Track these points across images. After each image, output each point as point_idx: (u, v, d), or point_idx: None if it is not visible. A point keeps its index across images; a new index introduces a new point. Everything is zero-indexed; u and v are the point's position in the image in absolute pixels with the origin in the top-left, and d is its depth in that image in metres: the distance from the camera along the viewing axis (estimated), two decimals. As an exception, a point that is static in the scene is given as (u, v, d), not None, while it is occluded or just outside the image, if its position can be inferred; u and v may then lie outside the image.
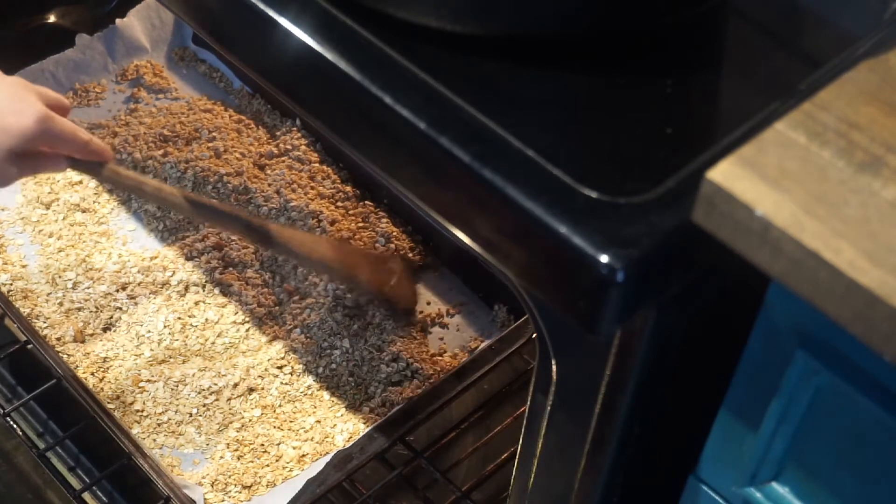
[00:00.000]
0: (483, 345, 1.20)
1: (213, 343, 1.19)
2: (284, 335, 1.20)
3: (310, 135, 1.40)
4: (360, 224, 1.30)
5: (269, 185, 1.32)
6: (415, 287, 1.23)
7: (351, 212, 1.32)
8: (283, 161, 1.36)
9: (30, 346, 1.14)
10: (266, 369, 1.17)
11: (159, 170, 1.32)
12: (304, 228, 1.27)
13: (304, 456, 1.11)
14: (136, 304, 1.21)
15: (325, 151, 1.38)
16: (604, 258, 0.56)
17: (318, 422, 1.14)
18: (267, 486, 1.09)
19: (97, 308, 1.20)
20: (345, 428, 1.13)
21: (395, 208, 1.33)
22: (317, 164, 1.36)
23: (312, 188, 1.33)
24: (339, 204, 1.32)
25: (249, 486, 1.09)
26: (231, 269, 1.25)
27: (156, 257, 1.26)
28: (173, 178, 1.31)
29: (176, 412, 1.13)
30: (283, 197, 1.30)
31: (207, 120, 1.40)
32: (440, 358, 1.20)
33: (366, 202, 1.33)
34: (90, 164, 0.96)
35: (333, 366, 1.18)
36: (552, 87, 0.65)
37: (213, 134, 1.38)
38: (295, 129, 1.40)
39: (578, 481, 0.73)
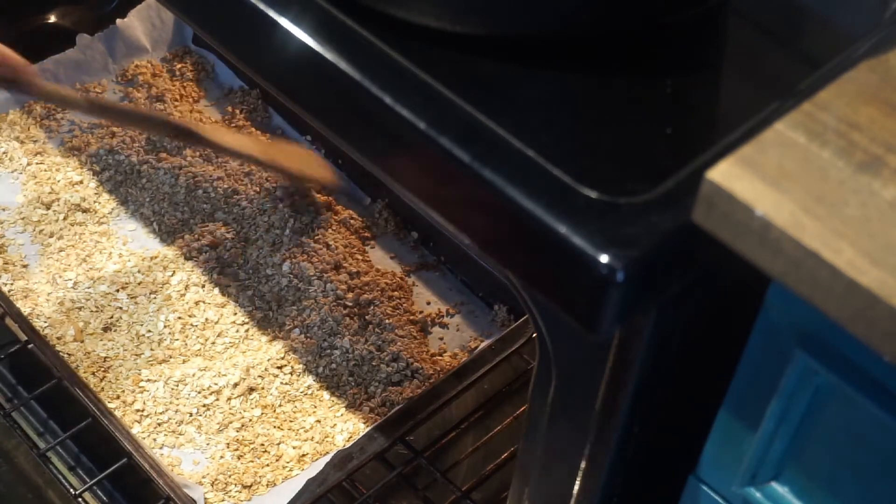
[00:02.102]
0: (483, 345, 1.20)
1: (213, 343, 1.19)
2: (284, 335, 1.20)
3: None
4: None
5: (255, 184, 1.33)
6: (330, 168, 1.31)
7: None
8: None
9: (30, 346, 1.14)
10: (266, 369, 1.17)
11: (153, 174, 1.32)
12: (290, 228, 1.27)
13: (304, 456, 1.11)
14: (136, 303, 1.21)
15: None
16: (604, 258, 0.56)
17: (318, 421, 1.14)
18: (267, 485, 1.09)
19: (97, 308, 1.20)
20: (345, 428, 1.13)
21: (395, 207, 1.34)
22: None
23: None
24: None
25: (249, 486, 1.09)
26: (227, 269, 1.25)
27: (156, 257, 1.26)
28: (166, 184, 1.31)
29: (176, 412, 1.13)
30: (262, 197, 1.31)
31: (207, 120, 1.40)
32: (440, 358, 1.20)
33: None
34: (14, 81, 0.97)
35: (333, 366, 1.18)
36: (552, 87, 0.65)
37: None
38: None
39: (578, 481, 0.73)
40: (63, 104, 1.12)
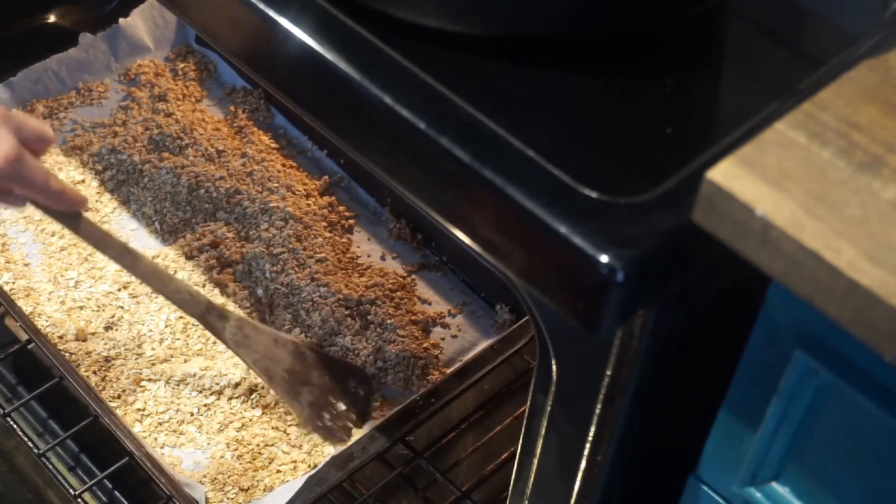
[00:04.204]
0: (484, 345, 1.20)
1: (214, 342, 1.19)
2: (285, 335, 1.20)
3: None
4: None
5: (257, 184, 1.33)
6: (356, 423, 1.12)
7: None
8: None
9: (31, 346, 1.14)
10: (267, 369, 1.17)
11: (155, 174, 1.32)
12: (291, 228, 1.27)
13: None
14: (137, 303, 1.21)
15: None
16: (604, 258, 0.56)
17: (319, 421, 1.14)
18: (267, 486, 1.09)
19: (99, 307, 1.20)
20: (346, 427, 1.14)
21: (396, 207, 1.34)
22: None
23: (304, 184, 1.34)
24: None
25: (249, 487, 1.09)
26: (228, 269, 1.25)
27: (157, 256, 1.26)
28: (168, 184, 1.31)
29: (177, 411, 1.13)
30: (265, 197, 1.30)
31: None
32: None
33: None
34: (60, 212, 0.92)
35: (334, 365, 1.18)
36: (552, 87, 0.65)
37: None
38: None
39: (578, 481, 0.73)
40: (101, 250, 1.03)
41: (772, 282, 0.59)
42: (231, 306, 1.22)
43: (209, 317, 1.06)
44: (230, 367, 1.16)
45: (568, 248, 0.57)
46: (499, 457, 1.13)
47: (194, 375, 1.15)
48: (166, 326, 1.19)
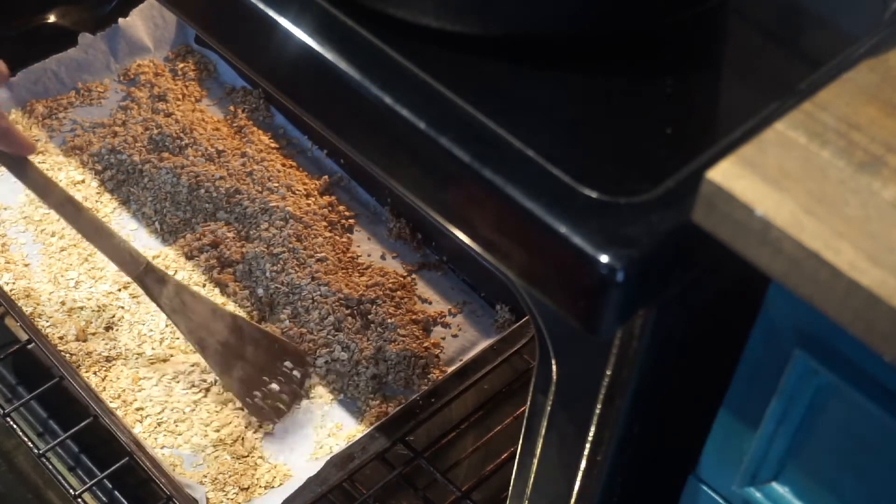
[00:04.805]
0: (484, 344, 1.20)
1: (213, 342, 1.19)
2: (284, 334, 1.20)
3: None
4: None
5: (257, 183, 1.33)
6: (287, 404, 1.12)
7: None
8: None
9: (31, 346, 1.14)
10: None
11: (155, 174, 1.32)
12: (291, 227, 1.27)
13: (304, 455, 1.11)
14: (138, 303, 1.21)
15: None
16: (604, 258, 0.56)
17: (320, 421, 1.14)
18: (266, 485, 1.09)
19: (99, 307, 1.20)
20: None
21: (396, 207, 1.34)
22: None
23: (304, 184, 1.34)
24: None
25: (249, 486, 1.09)
26: (228, 269, 1.25)
27: (157, 256, 1.26)
28: (168, 184, 1.31)
29: (174, 411, 1.13)
30: (265, 197, 1.30)
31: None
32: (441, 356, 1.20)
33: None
34: (7, 156, 0.91)
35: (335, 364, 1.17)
36: (552, 87, 0.65)
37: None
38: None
39: (578, 481, 0.73)
40: (43, 197, 1.03)
41: (772, 282, 0.59)
42: (231, 306, 1.22)
43: (147, 279, 1.07)
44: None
45: (568, 248, 0.57)
46: (499, 457, 1.13)
47: (191, 374, 1.15)
48: (167, 326, 1.19)
